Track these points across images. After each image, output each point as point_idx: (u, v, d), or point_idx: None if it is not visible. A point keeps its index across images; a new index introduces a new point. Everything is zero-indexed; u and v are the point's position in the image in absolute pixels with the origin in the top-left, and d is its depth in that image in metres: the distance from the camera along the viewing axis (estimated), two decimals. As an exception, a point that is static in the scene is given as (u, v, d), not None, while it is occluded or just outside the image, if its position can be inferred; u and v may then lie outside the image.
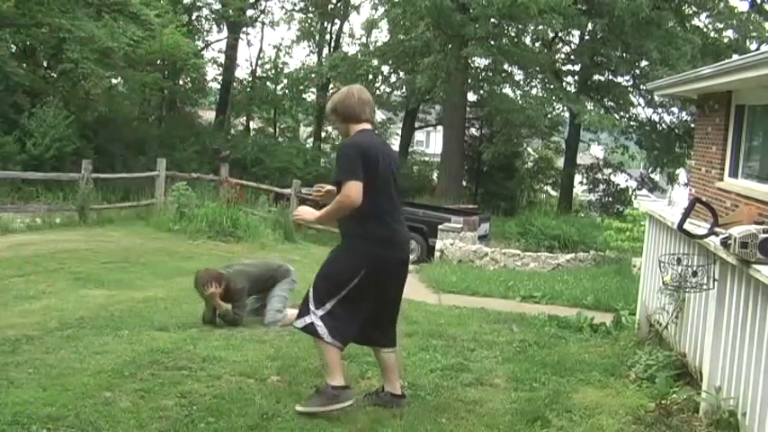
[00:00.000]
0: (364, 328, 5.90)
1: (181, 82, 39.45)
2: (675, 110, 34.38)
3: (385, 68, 38.08)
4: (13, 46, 29.59)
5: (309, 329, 5.77)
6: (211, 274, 8.41)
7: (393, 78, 39.13)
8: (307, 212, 6.07)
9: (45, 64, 31.68)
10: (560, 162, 39.93)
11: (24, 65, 29.38)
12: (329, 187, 5.98)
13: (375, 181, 5.52)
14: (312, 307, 5.75)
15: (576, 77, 35.68)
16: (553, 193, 41.64)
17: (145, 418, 5.40)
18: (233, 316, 8.43)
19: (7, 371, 6.23)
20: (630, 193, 38.89)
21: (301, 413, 5.65)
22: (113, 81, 33.19)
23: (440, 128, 41.50)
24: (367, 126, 5.79)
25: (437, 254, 20.00)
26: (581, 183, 41.29)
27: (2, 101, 27.83)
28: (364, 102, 5.79)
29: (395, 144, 44.44)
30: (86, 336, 7.56)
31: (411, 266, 18.38)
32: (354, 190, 5.39)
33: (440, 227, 20.75)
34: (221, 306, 8.33)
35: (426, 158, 45.69)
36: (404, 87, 39.05)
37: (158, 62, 34.28)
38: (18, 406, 5.36)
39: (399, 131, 44.29)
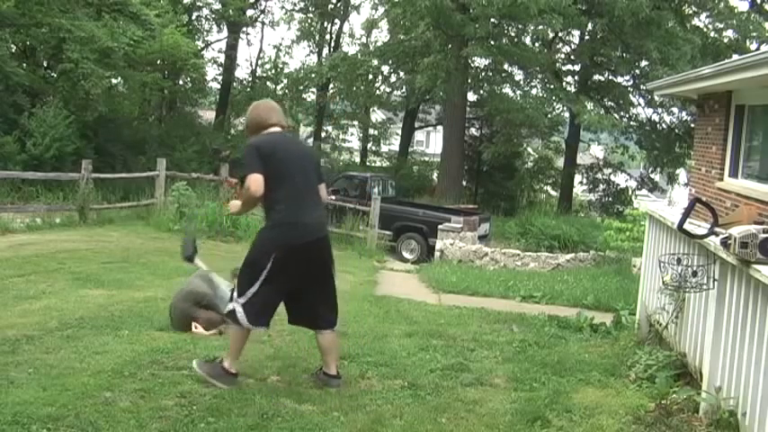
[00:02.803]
0: (298, 311, 6.53)
1: (181, 82, 39.42)
2: (675, 110, 34.35)
3: (385, 68, 38.11)
4: (13, 46, 29.55)
5: (231, 316, 6.30)
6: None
7: (393, 78, 39.16)
8: (233, 205, 6.71)
9: (45, 64, 31.64)
10: (560, 162, 39.89)
11: (24, 65, 29.34)
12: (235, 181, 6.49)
13: (275, 173, 6.09)
14: (236, 295, 6.27)
15: (576, 77, 35.66)
16: (553, 193, 41.60)
17: (145, 417, 5.40)
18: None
19: (7, 371, 6.24)
20: (630, 193, 38.87)
21: (192, 368, 6.35)
22: (113, 81, 33.12)
23: (440, 128, 41.51)
24: (274, 129, 6.45)
25: (437, 254, 20.03)
26: (581, 183, 41.26)
27: (2, 101, 27.78)
28: (269, 108, 6.58)
29: (394, 144, 44.46)
30: (86, 336, 7.57)
31: (411, 267, 18.52)
32: (253, 181, 6.01)
33: (440, 227, 20.77)
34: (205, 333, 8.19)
35: (426, 158, 45.69)
36: (404, 87, 39.08)
37: (158, 62, 34.25)
38: (18, 406, 5.36)
39: (399, 131, 44.30)
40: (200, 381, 6.23)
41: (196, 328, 8.12)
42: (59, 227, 17.32)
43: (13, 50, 29.46)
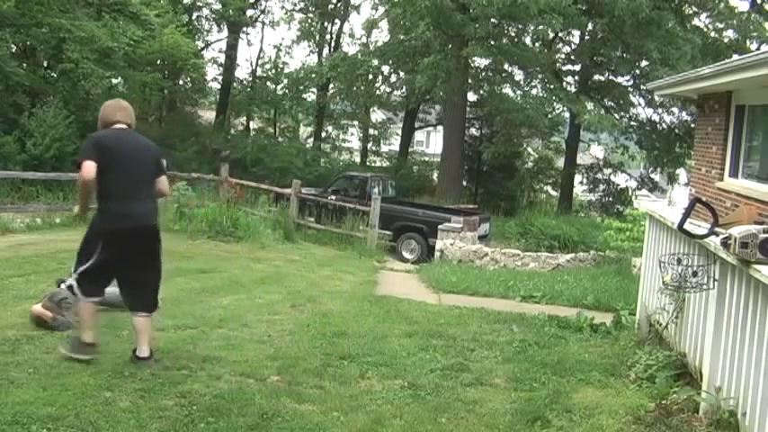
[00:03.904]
0: (122, 293, 7.09)
1: (181, 82, 39.43)
2: (675, 110, 34.29)
3: (385, 68, 38.08)
4: (13, 46, 29.56)
5: (71, 290, 6.87)
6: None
7: (393, 78, 39.11)
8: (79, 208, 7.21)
9: (45, 64, 31.65)
10: (560, 162, 39.82)
11: (24, 65, 29.35)
12: None
13: (108, 165, 6.62)
14: (72, 270, 6.90)
15: (576, 77, 35.62)
16: (553, 193, 41.54)
17: (145, 417, 5.41)
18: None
19: (7, 371, 6.24)
20: (630, 193, 38.80)
21: (62, 355, 6.69)
22: (113, 81, 33.14)
23: (440, 128, 41.47)
24: (119, 126, 6.96)
25: (437, 254, 19.99)
26: (581, 183, 41.19)
27: (2, 101, 27.79)
28: (116, 108, 7.08)
29: (394, 144, 44.41)
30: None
31: (411, 266, 18.52)
32: (84, 167, 6.54)
33: (440, 227, 20.73)
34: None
35: (426, 158, 45.64)
36: (404, 87, 39.02)
37: (158, 62, 34.27)
38: (18, 406, 5.37)
39: (399, 131, 44.26)
40: (66, 359, 6.62)
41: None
42: (59, 227, 17.29)
43: (14, 50, 29.47)
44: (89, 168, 6.53)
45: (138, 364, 6.68)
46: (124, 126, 6.99)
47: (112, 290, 7.26)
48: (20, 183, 21.97)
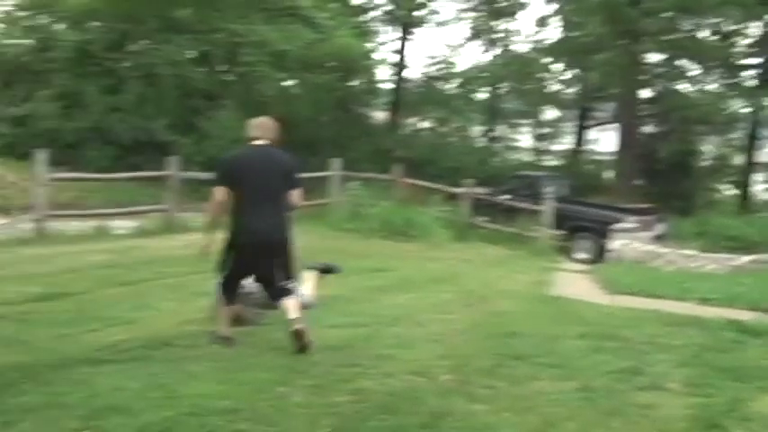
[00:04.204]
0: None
1: (353, 83, 39.93)
2: None
3: (557, 66, 37.63)
4: (191, 51, 30.62)
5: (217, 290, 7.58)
6: None
7: (565, 76, 38.61)
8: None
9: (221, 68, 32.65)
10: (739, 160, 38.47)
11: (202, 69, 30.37)
12: None
13: (236, 182, 7.24)
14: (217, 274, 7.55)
15: (757, 71, 34.29)
16: (732, 191, 40.14)
17: (317, 413, 5.50)
18: None
19: (187, 364, 6.47)
20: (816, 191, 37.18)
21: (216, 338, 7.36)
22: (287, 83, 33.89)
23: (613, 125, 40.70)
24: (256, 142, 7.49)
25: (610, 254, 19.62)
26: (763, 181, 39.66)
27: (181, 104, 28.84)
28: (254, 126, 7.57)
29: (567, 143, 43.77)
30: (261, 332, 7.77)
31: (584, 267, 18.25)
32: (215, 194, 7.32)
33: (613, 227, 20.33)
34: None
35: (599, 157, 44.80)
36: (576, 85, 38.47)
37: (331, 64, 34.80)
38: (196, 398, 5.55)
39: (572, 130, 43.60)
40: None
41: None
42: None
43: (192, 56, 30.51)
44: (218, 195, 7.32)
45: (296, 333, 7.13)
46: (261, 142, 7.49)
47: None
48: (198, 183, 22.73)
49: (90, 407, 5.29)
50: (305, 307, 7.61)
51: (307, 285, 8.34)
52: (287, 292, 7.37)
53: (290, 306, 7.24)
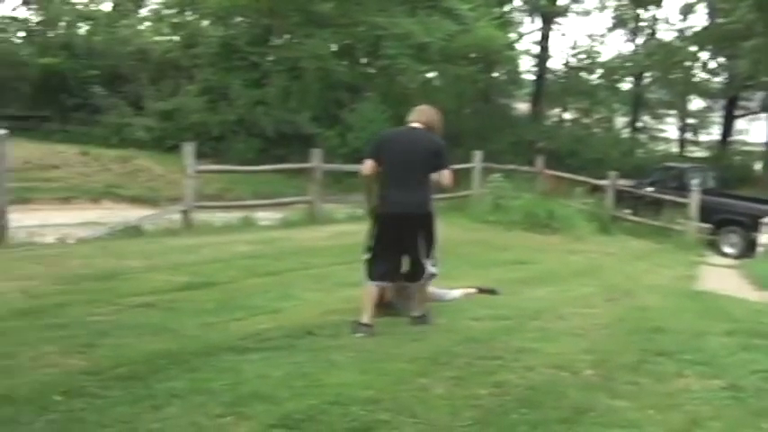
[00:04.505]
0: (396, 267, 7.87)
1: (495, 74, 39.73)
2: None
3: (703, 54, 36.65)
4: (334, 45, 31.00)
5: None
6: None
7: (712, 64, 37.59)
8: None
9: (363, 60, 32.95)
10: None
11: (344, 62, 30.71)
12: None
13: (383, 157, 7.69)
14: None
15: None
16: None
17: (458, 405, 5.46)
18: None
19: (330, 353, 6.52)
20: None
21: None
22: (429, 75, 33.96)
23: (763, 115, 39.43)
24: (410, 125, 7.99)
25: (760, 249, 18.98)
26: None
27: (325, 97, 29.26)
28: (413, 111, 8.13)
29: (714, 133, 42.58)
30: (403, 323, 7.78)
31: (732, 262, 17.73)
32: (364, 164, 7.78)
33: (763, 220, 19.66)
34: None
35: (748, 148, 43.47)
36: (724, 73, 37.40)
37: (472, 55, 34.70)
38: (339, 387, 5.58)
39: (719, 120, 42.41)
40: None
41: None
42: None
43: (334, 49, 30.89)
44: (365, 166, 7.73)
45: (415, 324, 7.73)
46: (414, 125, 7.94)
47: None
48: (341, 175, 22.98)
49: (234, 394, 5.38)
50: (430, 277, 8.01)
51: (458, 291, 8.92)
52: (415, 278, 7.80)
53: (414, 295, 7.87)
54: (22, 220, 13.27)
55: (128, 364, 5.92)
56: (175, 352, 6.31)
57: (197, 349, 6.43)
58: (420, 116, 8.01)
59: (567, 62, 42.98)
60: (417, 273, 7.78)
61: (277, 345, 6.74)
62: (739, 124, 42.29)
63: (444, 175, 7.81)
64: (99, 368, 5.81)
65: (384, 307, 7.92)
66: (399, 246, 7.71)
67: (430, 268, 7.84)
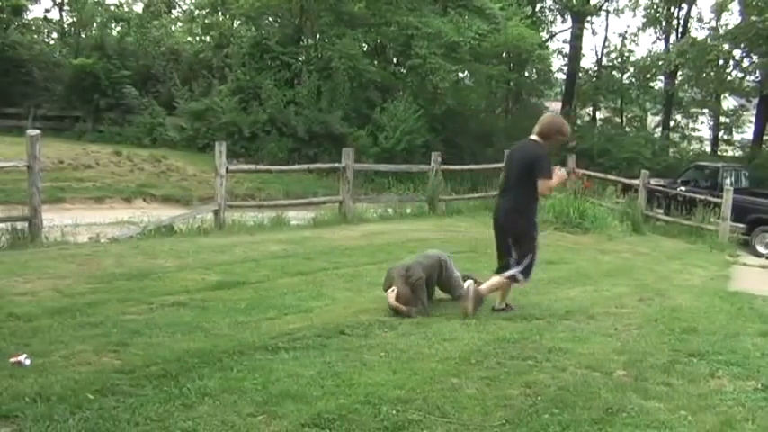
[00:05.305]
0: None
1: (526, 74, 39.66)
2: None
3: (737, 52, 36.33)
4: (365, 44, 31.05)
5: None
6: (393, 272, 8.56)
7: (746, 63, 37.26)
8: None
9: (394, 60, 32.98)
10: None
11: (375, 62, 30.75)
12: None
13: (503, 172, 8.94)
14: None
15: None
16: None
17: (490, 405, 5.47)
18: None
19: (361, 353, 6.54)
20: None
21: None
22: (460, 75, 33.96)
23: (798, 114, 39.08)
24: (531, 137, 8.54)
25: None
26: None
27: (356, 96, 29.32)
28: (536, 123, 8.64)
29: (748, 132, 42.23)
30: (435, 323, 7.78)
31: (766, 261, 17.56)
32: None
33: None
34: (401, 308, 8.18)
35: (783, 146, 43.12)
36: (757, 72, 37.06)
37: (503, 55, 34.65)
38: (370, 387, 5.60)
39: (753, 119, 42.05)
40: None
41: (393, 291, 8.21)
42: (410, 217, 17.96)
43: (366, 49, 30.93)
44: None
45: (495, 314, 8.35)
46: (532, 136, 8.53)
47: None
48: (373, 174, 23.01)
49: (266, 393, 5.42)
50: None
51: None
52: (499, 271, 8.57)
53: (496, 285, 8.54)
54: (55, 219, 13.40)
55: (160, 362, 5.97)
56: (207, 351, 6.34)
57: (229, 348, 6.45)
58: (537, 127, 8.52)
59: (599, 61, 42.82)
60: (502, 268, 8.56)
61: (308, 344, 6.76)
62: (774, 123, 41.92)
63: (541, 185, 8.26)
64: (131, 367, 5.87)
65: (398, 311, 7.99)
66: (498, 247, 8.69)
67: (513, 270, 8.43)
